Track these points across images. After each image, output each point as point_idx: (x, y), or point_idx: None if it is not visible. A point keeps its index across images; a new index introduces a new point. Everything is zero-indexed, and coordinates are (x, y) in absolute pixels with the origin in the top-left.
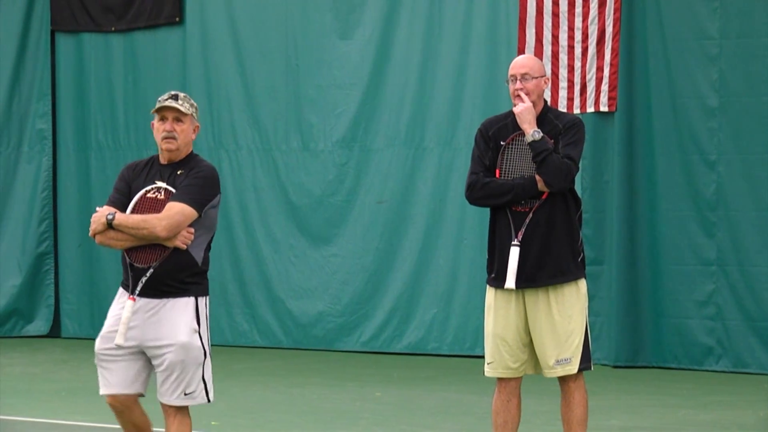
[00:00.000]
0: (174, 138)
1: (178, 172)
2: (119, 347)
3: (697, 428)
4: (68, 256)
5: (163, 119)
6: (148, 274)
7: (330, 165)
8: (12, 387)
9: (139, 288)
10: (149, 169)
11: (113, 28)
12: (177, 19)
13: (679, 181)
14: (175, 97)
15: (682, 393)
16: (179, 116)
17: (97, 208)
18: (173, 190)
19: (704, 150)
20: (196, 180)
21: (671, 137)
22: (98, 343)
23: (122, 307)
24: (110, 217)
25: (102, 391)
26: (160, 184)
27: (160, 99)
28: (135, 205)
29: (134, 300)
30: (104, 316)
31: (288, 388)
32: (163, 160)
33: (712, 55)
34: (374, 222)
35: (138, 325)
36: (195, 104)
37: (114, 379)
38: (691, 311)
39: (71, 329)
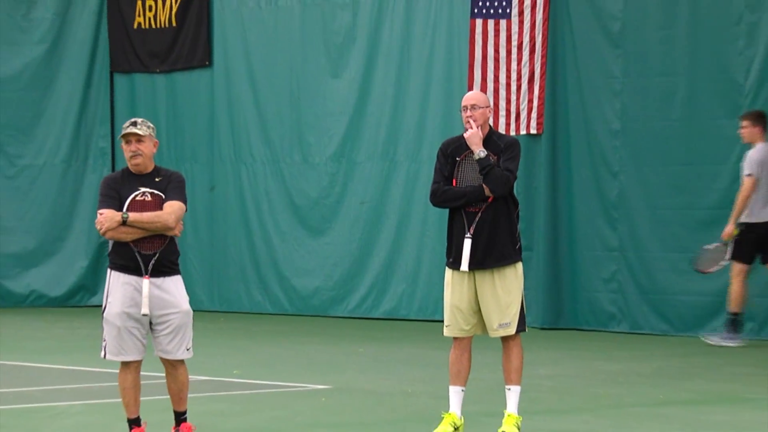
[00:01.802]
0: (139, 155)
1: (156, 179)
2: (145, 315)
3: (606, 376)
4: None
5: (128, 142)
6: (154, 259)
7: (324, 174)
8: (80, 344)
9: (150, 269)
10: (128, 179)
11: (158, 70)
12: (207, 62)
13: (590, 187)
14: (134, 124)
15: (593, 349)
16: (140, 138)
17: (101, 212)
18: (159, 193)
19: (609, 163)
20: (179, 184)
21: (584, 153)
22: (120, 319)
23: (132, 287)
24: (125, 216)
25: (123, 358)
26: (144, 189)
27: (123, 126)
28: (128, 207)
29: (149, 278)
30: None
31: (292, 345)
32: (135, 172)
33: (616, 90)
34: (358, 218)
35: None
36: (152, 126)
37: (137, 347)
38: (599, 286)
39: None
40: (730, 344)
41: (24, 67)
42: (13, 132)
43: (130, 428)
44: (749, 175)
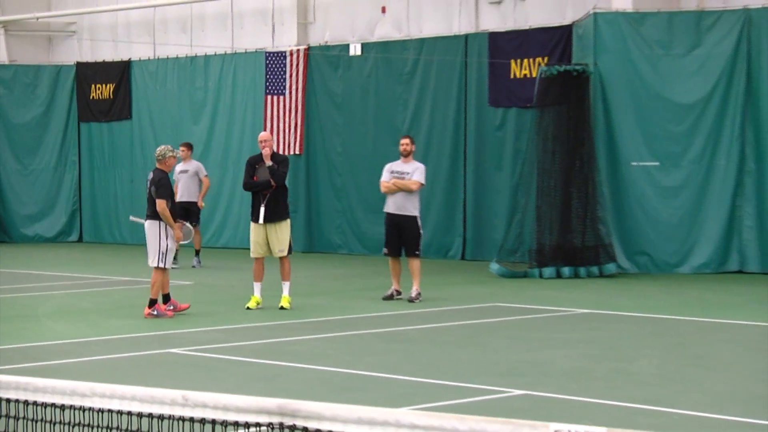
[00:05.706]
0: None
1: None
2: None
3: (334, 276)
4: (86, 212)
5: (175, 158)
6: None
7: None
8: (63, 261)
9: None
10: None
11: (103, 120)
12: (129, 116)
13: (326, 181)
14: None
15: (327, 263)
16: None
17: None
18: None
19: (337, 169)
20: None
21: (324, 163)
22: (176, 243)
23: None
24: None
25: (172, 266)
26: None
27: (172, 149)
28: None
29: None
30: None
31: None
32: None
33: (339, 131)
34: (206, 200)
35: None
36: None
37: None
38: (332, 230)
39: (88, 238)
40: (176, 266)
41: (32, 118)
42: (26, 152)
43: (159, 302)
44: (206, 175)
